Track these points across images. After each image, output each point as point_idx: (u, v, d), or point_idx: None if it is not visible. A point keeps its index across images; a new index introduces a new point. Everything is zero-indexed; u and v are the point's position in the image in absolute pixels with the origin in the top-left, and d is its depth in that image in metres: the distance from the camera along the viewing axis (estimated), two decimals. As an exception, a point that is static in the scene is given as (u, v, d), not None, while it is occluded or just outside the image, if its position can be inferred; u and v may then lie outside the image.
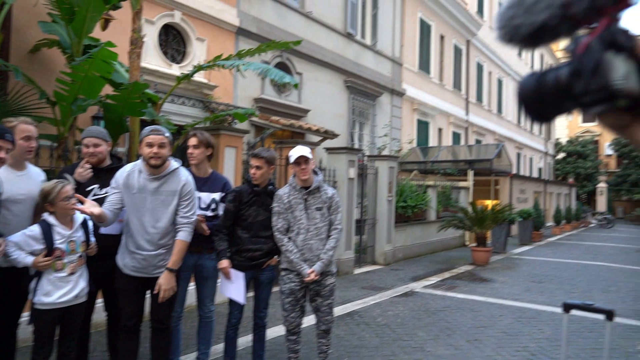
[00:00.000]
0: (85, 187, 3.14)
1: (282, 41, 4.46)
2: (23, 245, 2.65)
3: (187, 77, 5.13)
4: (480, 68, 20.64)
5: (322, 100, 10.99)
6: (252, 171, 3.47)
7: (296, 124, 9.29)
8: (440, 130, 17.08)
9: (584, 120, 37.24)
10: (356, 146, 12.14)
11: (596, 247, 14.73)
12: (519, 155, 25.47)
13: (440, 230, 10.96)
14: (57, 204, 2.74)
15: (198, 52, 8.16)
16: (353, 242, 8.39)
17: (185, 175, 3.05)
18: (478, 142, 19.91)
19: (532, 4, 0.55)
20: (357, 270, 8.59)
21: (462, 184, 13.87)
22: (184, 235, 2.99)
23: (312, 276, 3.32)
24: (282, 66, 9.91)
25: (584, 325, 5.34)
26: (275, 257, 3.55)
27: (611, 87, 0.50)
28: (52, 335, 2.76)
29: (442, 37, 17.22)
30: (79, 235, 2.86)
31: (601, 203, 30.58)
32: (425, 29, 16.02)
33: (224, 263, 3.36)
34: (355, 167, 8.37)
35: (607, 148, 36.60)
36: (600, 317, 2.60)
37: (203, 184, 3.50)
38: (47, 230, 2.71)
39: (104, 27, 6.00)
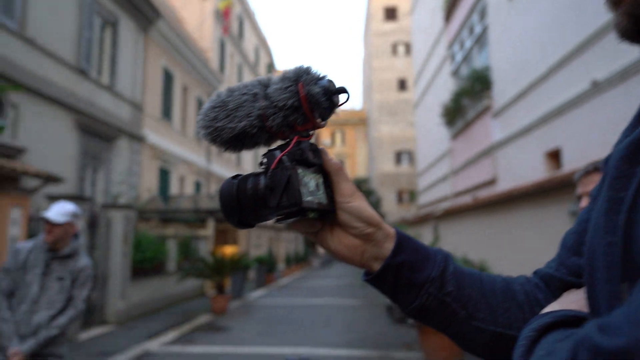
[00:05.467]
0: None
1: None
2: None
3: None
4: (221, 121, 21.68)
5: (46, 140, 9.54)
6: None
7: (6, 166, 7.76)
8: (182, 178, 16.98)
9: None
10: (88, 193, 10.90)
11: (318, 285, 16.83)
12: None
13: (179, 281, 10.67)
14: None
15: None
16: (78, 303, 7.34)
17: None
18: (219, 191, 20.60)
19: (233, 109, 0.55)
20: (84, 335, 7.51)
21: (202, 232, 13.97)
22: None
23: (16, 358, 2.70)
24: (-8, 95, 8.24)
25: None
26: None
27: (301, 203, 0.52)
28: None
29: (185, 88, 17.48)
30: None
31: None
32: (168, 78, 16.00)
33: None
34: (83, 218, 7.48)
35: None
36: None
37: None
38: None
39: None
